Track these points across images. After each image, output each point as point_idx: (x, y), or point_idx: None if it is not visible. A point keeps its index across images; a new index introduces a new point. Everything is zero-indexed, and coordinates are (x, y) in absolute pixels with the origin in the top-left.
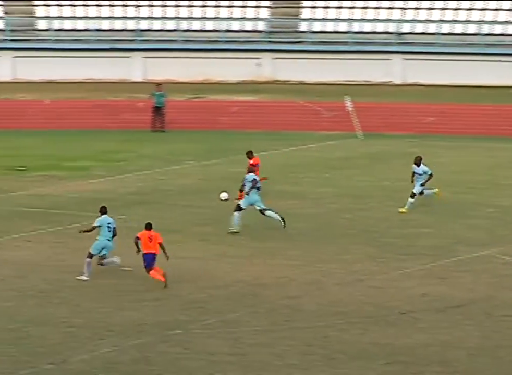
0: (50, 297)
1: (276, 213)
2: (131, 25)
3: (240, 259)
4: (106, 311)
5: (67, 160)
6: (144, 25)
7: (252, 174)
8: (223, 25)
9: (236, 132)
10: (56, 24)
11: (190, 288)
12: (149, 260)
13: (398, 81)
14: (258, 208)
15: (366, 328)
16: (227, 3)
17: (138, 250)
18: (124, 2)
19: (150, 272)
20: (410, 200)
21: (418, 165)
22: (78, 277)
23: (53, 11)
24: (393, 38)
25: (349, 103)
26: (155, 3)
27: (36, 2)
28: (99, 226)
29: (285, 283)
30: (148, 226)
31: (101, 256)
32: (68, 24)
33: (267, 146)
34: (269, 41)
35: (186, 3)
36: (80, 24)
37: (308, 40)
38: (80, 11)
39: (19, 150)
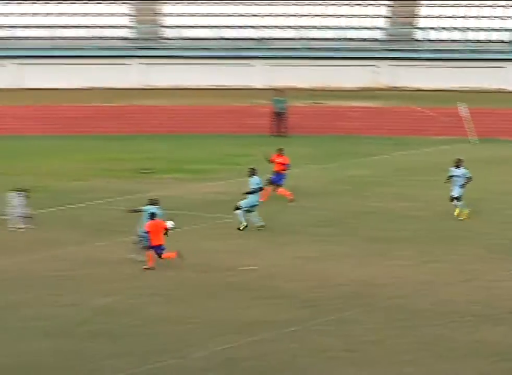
0: (172, 294)
1: (256, 219)
2: (253, 33)
3: (355, 259)
4: (225, 309)
5: (191, 163)
6: (266, 33)
7: (257, 177)
8: (343, 34)
9: (354, 137)
10: (183, 33)
11: (306, 287)
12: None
13: None
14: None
15: (476, 327)
16: (346, 12)
17: None
18: (251, 12)
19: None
20: (456, 203)
21: (458, 168)
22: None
23: (180, 20)
24: (507, 46)
25: (462, 109)
26: (277, 12)
27: (164, 11)
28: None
29: (399, 283)
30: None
31: None
32: (194, 33)
33: (384, 150)
34: (386, 49)
35: (307, 12)
36: (206, 33)
37: (425, 48)
38: (205, 20)
39: (147, 153)
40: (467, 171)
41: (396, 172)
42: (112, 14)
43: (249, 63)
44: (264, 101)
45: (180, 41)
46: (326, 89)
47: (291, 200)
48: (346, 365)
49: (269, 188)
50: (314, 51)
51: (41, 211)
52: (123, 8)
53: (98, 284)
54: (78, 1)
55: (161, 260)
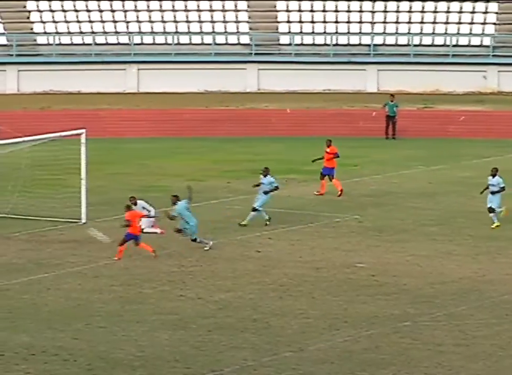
0: (290, 290)
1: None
2: (366, 40)
3: (466, 257)
4: (341, 304)
5: (306, 165)
6: (378, 40)
7: (271, 177)
8: (452, 40)
9: (463, 140)
10: (297, 39)
11: (419, 283)
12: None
13: None
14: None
15: None
16: (455, 20)
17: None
18: (359, 19)
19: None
20: (491, 215)
21: (494, 177)
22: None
23: (295, 27)
24: None
25: None
26: (388, 19)
27: (279, 19)
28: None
29: (509, 280)
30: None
31: None
32: (307, 39)
33: (492, 152)
34: (495, 55)
35: (418, 19)
36: (319, 39)
37: None
38: (319, 27)
39: (263, 155)
40: (501, 180)
41: (507, 173)
42: (227, 21)
43: (363, 68)
44: (377, 105)
45: (294, 47)
46: (436, 93)
47: (340, 195)
48: (458, 359)
49: (323, 181)
50: (424, 57)
51: (161, 210)
52: (241, 15)
53: (220, 280)
54: (193, 10)
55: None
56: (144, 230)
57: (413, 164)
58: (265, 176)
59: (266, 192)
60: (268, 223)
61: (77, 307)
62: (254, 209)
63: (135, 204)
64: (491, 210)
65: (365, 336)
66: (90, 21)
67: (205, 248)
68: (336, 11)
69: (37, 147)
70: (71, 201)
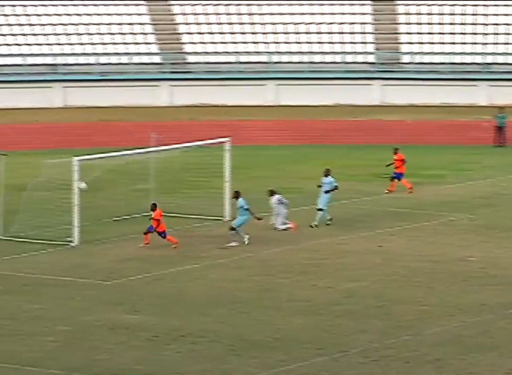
0: (410, 281)
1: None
2: (478, 59)
3: None
4: (455, 293)
5: (425, 169)
6: (489, 59)
7: (331, 178)
8: None
9: None
10: (417, 58)
11: None
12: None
13: None
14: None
15: None
16: None
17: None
18: (472, 40)
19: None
20: None
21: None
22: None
23: (415, 48)
24: None
25: None
26: (499, 40)
27: (401, 40)
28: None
29: None
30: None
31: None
32: (426, 58)
33: None
34: None
35: None
36: (437, 58)
37: None
38: (437, 48)
39: (385, 161)
40: None
41: None
42: (355, 43)
43: (474, 84)
44: (487, 117)
45: (416, 65)
46: None
47: (410, 191)
48: None
49: (393, 183)
50: None
51: (295, 209)
52: (367, 37)
53: (348, 271)
54: (325, 33)
55: None
56: (279, 228)
57: None
58: (326, 176)
59: (326, 192)
60: (329, 223)
61: (221, 294)
62: (319, 209)
63: (273, 195)
64: None
65: (476, 322)
66: (234, 42)
67: (231, 244)
68: (452, 33)
69: (186, 153)
70: (216, 201)
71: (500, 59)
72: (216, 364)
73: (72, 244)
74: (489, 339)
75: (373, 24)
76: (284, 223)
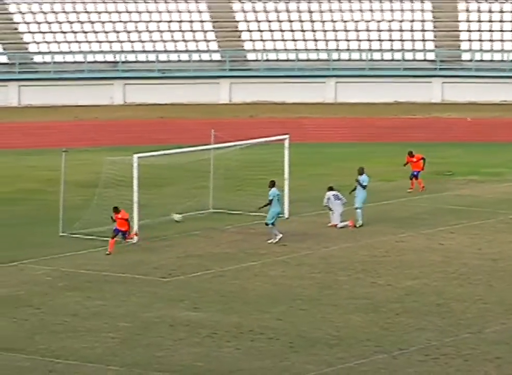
0: (470, 278)
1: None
2: None
3: None
4: None
5: (484, 167)
6: None
7: (366, 176)
8: None
9: None
10: (477, 56)
11: None
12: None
13: None
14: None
15: None
16: None
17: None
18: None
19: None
20: None
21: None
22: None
23: (476, 45)
24: None
25: None
26: None
27: (461, 37)
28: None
29: None
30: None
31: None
32: (487, 56)
33: None
34: None
35: None
36: (497, 56)
37: None
38: (497, 45)
39: (446, 158)
40: None
41: None
42: (415, 40)
43: None
44: None
45: (476, 63)
46: None
47: (423, 190)
48: None
49: (413, 181)
50: None
51: (354, 207)
52: (427, 34)
53: (407, 269)
54: (384, 30)
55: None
56: (338, 226)
57: None
58: (360, 175)
59: (364, 187)
60: (359, 226)
61: (281, 291)
62: (357, 208)
63: (332, 190)
64: None
65: None
66: (294, 40)
67: (269, 241)
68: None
69: (246, 150)
70: None
71: None
72: (275, 361)
73: (132, 241)
74: None
75: (432, 21)
76: (342, 220)
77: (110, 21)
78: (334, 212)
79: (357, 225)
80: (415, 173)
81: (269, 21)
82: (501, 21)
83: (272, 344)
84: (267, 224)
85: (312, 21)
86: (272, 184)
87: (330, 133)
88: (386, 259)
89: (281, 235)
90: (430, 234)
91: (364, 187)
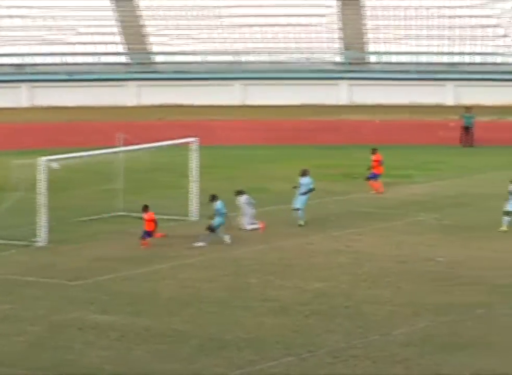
0: (378, 281)
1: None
2: (445, 59)
3: None
4: (423, 293)
5: (393, 169)
6: (457, 59)
7: (309, 178)
8: None
9: None
10: (384, 58)
11: (496, 274)
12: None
13: None
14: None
15: None
16: None
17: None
18: (440, 39)
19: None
20: (506, 218)
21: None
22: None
23: (382, 47)
24: None
25: None
26: (466, 41)
27: (369, 39)
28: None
29: None
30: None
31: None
32: (393, 58)
33: None
34: None
35: (492, 38)
36: (403, 58)
37: None
38: (403, 47)
39: (355, 161)
40: None
41: None
42: (322, 42)
43: (442, 84)
44: (454, 117)
45: (383, 65)
46: (509, 106)
47: (377, 192)
48: None
49: (377, 182)
50: (498, 74)
51: (263, 209)
52: (334, 36)
53: (317, 271)
54: (291, 32)
55: None
56: (246, 228)
57: (489, 170)
58: (303, 176)
59: (303, 194)
60: (302, 225)
61: (190, 294)
62: (296, 209)
63: (239, 195)
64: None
65: (444, 322)
66: (201, 42)
67: (197, 244)
68: (419, 33)
69: (155, 153)
70: (185, 200)
71: (467, 59)
72: (185, 364)
73: (39, 244)
74: (458, 339)
75: (340, 23)
76: (252, 223)
77: (18, 25)
78: (245, 215)
79: (302, 223)
80: (373, 174)
81: (176, 24)
82: (406, 24)
83: (182, 347)
84: (210, 229)
85: (219, 24)
86: (239, 193)
87: (238, 135)
88: (296, 262)
89: (205, 245)
90: (339, 236)
91: (308, 191)
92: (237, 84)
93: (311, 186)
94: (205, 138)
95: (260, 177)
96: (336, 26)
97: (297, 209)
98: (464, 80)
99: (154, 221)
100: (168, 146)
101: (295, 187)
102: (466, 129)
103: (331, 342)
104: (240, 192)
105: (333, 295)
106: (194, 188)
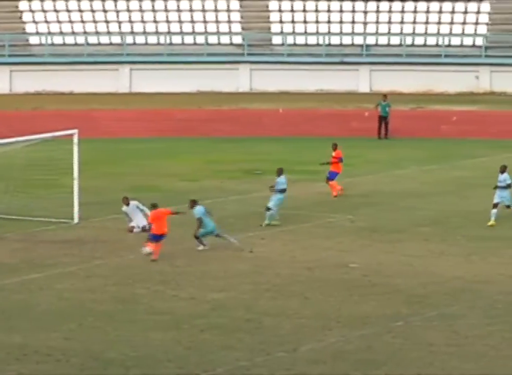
0: (283, 290)
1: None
2: (358, 40)
3: (458, 257)
4: (334, 304)
5: (299, 164)
6: (371, 40)
7: (284, 177)
8: (445, 41)
9: (456, 140)
10: (290, 39)
11: (412, 283)
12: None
13: None
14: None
15: None
16: (447, 20)
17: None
18: (351, 19)
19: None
20: (494, 211)
21: (502, 173)
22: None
23: (288, 28)
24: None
25: None
26: (380, 19)
27: (271, 19)
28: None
29: (502, 280)
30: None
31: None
32: (300, 39)
33: (484, 152)
34: (487, 55)
35: (411, 19)
36: (312, 40)
37: None
38: (311, 28)
39: (256, 155)
40: (509, 177)
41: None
42: (220, 22)
43: (355, 69)
44: (369, 105)
45: (287, 47)
46: (428, 93)
47: (336, 195)
48: (451, 359)
49: (333, 182)
50: (417, 58)
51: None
52: (233, 15)
53: (213, 280)
54: (185, 10)
55: None
56: (135, 230)
57: (406, 164)
58: (279, 176)
59: (280, 191)
60: (276, 224)
61: (70, 307)
62: (268, 209)
63: (128, 204)
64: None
65: (358, 336)
66: (82, 21)
67: (199, 248)
68: (329, 11)
69: (30, 147)
70: (64, 201)
71: (382, 40)
72: None
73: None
74: (373, 356)
75: (239, 0)
76: (138, 227)
77: None
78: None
79: (263, 225)
80: (333, 175)
81: (56, 2)
82: (315, 0)
83: (60, 367)
84: (197, 238)
85: (103, 0)
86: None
87: (126, 127)
88: (189, 269)
89: (206, 247)
90: (240, 240)
91: (282, 191)
92: (123, 68)
93: (282, 187)
94: (87, 130)
95: (149, 174)
96: (235, 3)
97: (269, 209)
98: (379, 64)
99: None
100: (45, 139)
101: (272, 187)
102: (383, 119)
103: (230, 359)
104: (153, 206)
105: (232, 307)
106: (75, 186)
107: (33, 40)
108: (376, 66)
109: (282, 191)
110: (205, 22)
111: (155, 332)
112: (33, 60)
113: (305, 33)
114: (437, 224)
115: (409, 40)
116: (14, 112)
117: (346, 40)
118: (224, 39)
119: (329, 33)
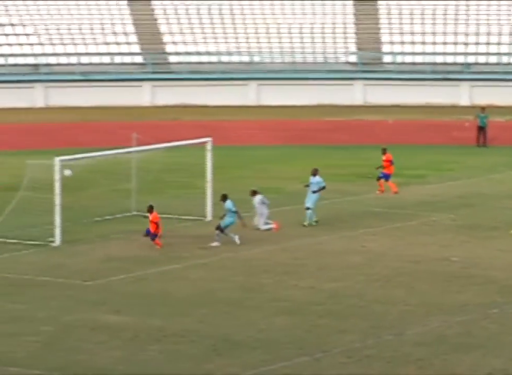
0: (391, 281)
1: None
2: (460, 59)
3: None
4: (436, 293)
5: (407, 169)
6: (471, 59)
7: (318, 177)
8: None
9: None
10: (399, 58)
11: (506, 275)
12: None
13: None
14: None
15: None
16: None
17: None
18: (454, 40)
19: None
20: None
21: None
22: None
23: (397, 48)
24: None
25: None
26: (480, 41)
27: (383, 40)
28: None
29: None
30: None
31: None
32: (408, 58)
33: None
34: None
35: (507, 41)
36: (418, 58)
37: None
38: (418, 48)
39: (367, 160)
40: None
41: None
42: (337, 42)
43: (457, 84)
44: (469, 117)
45: (397, 66)
46: None
47: (397, 191)
48: None
49: (381, 182)
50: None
51: (277, 209)
52: (349, 36)
53: (330, 271)
54: (306, 33)
55: None
56: (261, 229)
57: (502, 169)
58: (314, 176)
59: (314, 192)
60: (315, 224)
61: (202, 294)
62: (307, 208)
63: (255, 195)
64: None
65: (458, 321)
66: (216, 42)
67: (213, 244)
68: (433, 33)
69: (168, 153)
70: (198, 201)
71: (482, 59)
72: (198, 364)
73: (54, 244)
74: (471, 339)
75: (354, 24)
76: (267, 223)
77: (32, 23)
78: (260, 215)
79: (306, 224)
80: (383, 174)
81: (191, 23)
82: (422, 23)
83: (195, 347)
84: (219, 228)
85: (234, 23)
86: (254, 193)
87: (253, 135)
88: (308, 261)
89: (219, 244)
90: (353, 236)
91: (314, 191)
92: (252, 84)
93: (322, 185)
94: (219, 139)
95: (273, 177)
96: (350, 26)
97: (308, 208)
98: (479, 81)
99: (156, 223)
100: (182, 146)
101: (307, 186)
102: (481, 129)
103: (345, 342)
104: (254, 192)
105: (347, 295)
106: (208, 188)
107: (173, 59)
108: (476, 82)
109: (317, 191)
110: (324, 42)
111: (278, 317)
112: (173, 77)
113: (413, 53)
114: None
115: (505, 59)
116: (156, 122)
117: (449, 59)
118: (341, 58)
119: (434, 52)
